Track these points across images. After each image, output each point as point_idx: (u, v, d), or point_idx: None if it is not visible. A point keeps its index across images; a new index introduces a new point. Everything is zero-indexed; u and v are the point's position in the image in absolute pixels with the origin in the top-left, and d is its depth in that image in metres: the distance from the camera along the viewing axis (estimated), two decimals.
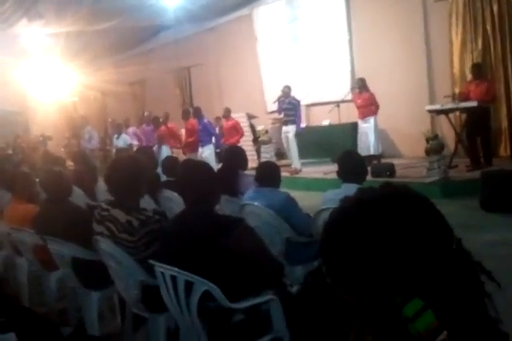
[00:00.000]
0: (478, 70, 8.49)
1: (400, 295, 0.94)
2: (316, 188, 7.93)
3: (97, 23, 12.25)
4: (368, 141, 9.29)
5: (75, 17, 10.96)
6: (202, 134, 10.62)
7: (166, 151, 10.66)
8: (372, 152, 9.21)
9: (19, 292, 4.07)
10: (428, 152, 7.85)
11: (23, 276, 4.04)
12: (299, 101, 10.13)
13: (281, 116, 10.30)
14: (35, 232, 3.52)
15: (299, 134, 10.00)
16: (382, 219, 0.96)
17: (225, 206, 4.07)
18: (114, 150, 11.79)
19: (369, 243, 0.94)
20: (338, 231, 0.99)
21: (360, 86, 9.38)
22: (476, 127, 8.22)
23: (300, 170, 10.06)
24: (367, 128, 9.32)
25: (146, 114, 13.20)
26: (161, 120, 11.92)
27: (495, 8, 9.20)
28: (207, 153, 10.34)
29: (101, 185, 5.43)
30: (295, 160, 10.12)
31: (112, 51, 16.12)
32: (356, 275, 0.95)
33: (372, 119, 9.27)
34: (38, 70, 16.75)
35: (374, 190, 1.04)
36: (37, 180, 4.14)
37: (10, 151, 14.04)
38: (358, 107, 9.41)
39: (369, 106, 9.24)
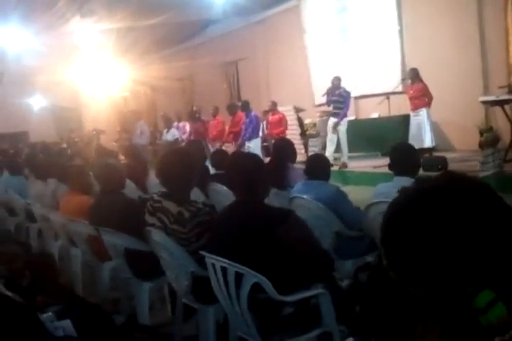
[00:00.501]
0: None
1: (470, 285, 0.91)
2: (365, 182, 7.82)
3: (146, 19, 12.43)
4: (420, 134, 9.01)
5: (124, 13, 11.16)
6: (249, 128, 10.65)
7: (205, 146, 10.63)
8: (425, 145, 8.94)
9: (74, 282, 4.19)
10: (482, 145, 7.61)
11: (78, 266, 4.16)
12: (349, 93, 9.97)
13: (330, 108, 10.17)
14: (90, 223, 3.61)
15: (347, 126, 9.86)
16: (447, 208, 0.92)
17: (273, 199, 4.05)
18: (163, 144, 11.98)
19: (434, 233, 0.91)
20: (400, 222, 0.95)
21: (412, 76, 9.09)
22: None
23: (346, 165, 9.92)
24: (419, 120, 9.05)
25: (194, 109, 13.34)
26: (197, 115, 12.02)
27: None
28: (253, 147, 10.34)
29: (152, 178, 5.52)
30: (344, 153, 10.00)
31: (161, 46, 16.35)
32: (423, 267, 0.92)
33: (424, 111, 8.97)
34: (90, 67, 17.15)
35: (435, 179, 1.01)
36: (91, 172, 4.26)
37: (64, 145, 14.49)
38: (410, 98, 9.13)
39: (421, 98, 8.92)
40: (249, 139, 10.58)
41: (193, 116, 12.08)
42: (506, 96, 7.97)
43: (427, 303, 0.97)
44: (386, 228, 0.98)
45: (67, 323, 2.41)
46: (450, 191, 0.95)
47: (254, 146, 10.35)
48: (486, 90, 9.80)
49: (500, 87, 8.41)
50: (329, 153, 9.65)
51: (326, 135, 11.42)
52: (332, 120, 9.92)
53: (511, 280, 0.93)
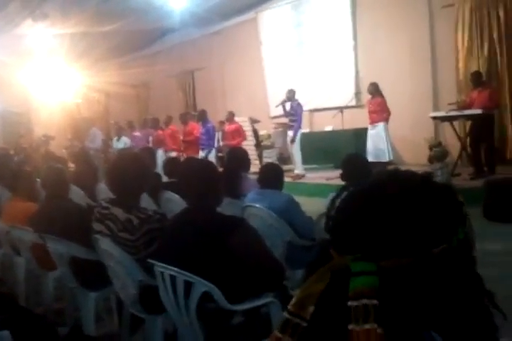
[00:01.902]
0: (478, 78, 8.43)
1: (361, 252, 1.00)
2: (318, 194, 7.87)
3: (102, 25, 12.25)
4: (377, 148, 9.16)
5: (80, 18, 10.97)
6: (205, 138, 10.62)
7: (161, 155, 10.56)
8: (382, 159, 9.08)
9: (16, 291, 4.03)
10: (431, 160, 7.81)
11: (21, 275, 4.00)
12: (300, 106, 10.08)
13: (287, 120, 10.28)
14: (34, 230, 3.48)
15: (300, 139, 9.97)
16: (404, 198, 1.02)
17: (226, 208, 4.01)
18: (115, 153, 11.77)
19: (379, 215, 1.00)
20: (354, 208, 1.05)
21: (372, 90, 9.24)
22: (481, 134, 8.17)
23: (303, 176, 10.01)
24: (377, 134, 9.21)
25: (148, 117, 13.22)
26: (160, 123, 12.00)
27: (501, 14, 9.18)
28: (208, 157, 10.31)
29: (101, 186, 5.40)
30: (298, 165, 10.08)
31: (117, 53, 16.13)
32: (344, 228, 1.04)
33: (381, 125, 9.14)
34: (42, 71, 16.74)
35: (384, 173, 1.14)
36: (38, 179, 4.12)
37: (12, 151, 14.03)
38: (369, 112, 9.28)
39: (380, 112, 9.08)
40: (204, 149, 10.56)
41: (155, 124, 11.99)
42: (455, 113, 8.23)
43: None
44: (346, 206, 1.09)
45: (6, 334, 2.30)
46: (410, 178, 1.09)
47: (209, 156, 10.33)
48: (436, 106, 10.09)
49: (450, 104, 8.69)
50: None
51: (280, 146, 11.53)
52: (289, 133, 10.06)
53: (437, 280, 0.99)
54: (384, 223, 1.00)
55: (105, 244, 2.77)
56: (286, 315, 1.03)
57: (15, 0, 9.16)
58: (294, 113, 9.92)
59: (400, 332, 0.92)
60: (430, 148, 7.98)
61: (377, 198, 1.03)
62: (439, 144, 8.04)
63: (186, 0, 10.72)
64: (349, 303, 0.94)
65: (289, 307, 1.04)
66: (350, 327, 0.92)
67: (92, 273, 3.12)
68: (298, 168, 10.09)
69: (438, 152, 7.71)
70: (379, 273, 0.96)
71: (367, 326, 0.91)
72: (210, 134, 10.65)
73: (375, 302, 0.93)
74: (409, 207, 1.00)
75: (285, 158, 11.54)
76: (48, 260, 3.42)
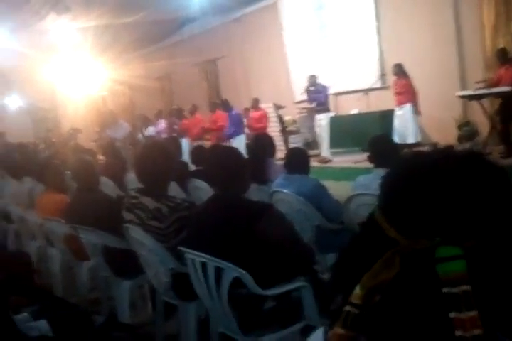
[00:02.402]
0: (504, 55, 8.20)
1: (440, 236, 0.96)
2: (345, 178, 7.81)
3: (123, 17, 12.30)
4: (405, 129, 9.03)
5: (101, 10, 11.03)
6: (232, 125, 10.63)
7: (186, 143, 10.58)
8: (409, 140, 8.96)
9: (53, 282, 4.12)
10: (460, 139, 7.69)
11: (56, 267, 4.08)
12: (326, 87, 10.01)
13: (313, 105, 10.22)
14: (67, 222, 3.54)
15: (329, 122, 9.92)
16: (455, 172, 0.99)
17: (254, 194, 4.02)
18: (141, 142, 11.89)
19: (431, 193, 0.98)
20: (404, 181, 1.03)
21: (397, 72, 9.09)
22: (510, 112, 7.99)
23: (330, 160, 9.96)
24: (404, 116, 9.07)
25: (174, 107, 13.27)
26: (184, 113, 12.03)
27: None
28: (237, 144, 10.32)
29: (131, 177, 5.46)
30: (325, 148, 10.04)
31: (139, 45, 16.21)
32: (413, 211, 0.99)
33: (408, 106, 9.01)
34: (67, 66, 16.92)
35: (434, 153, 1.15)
36: (68, 172, 4.18)
37: (42, 146, 14.28)
38: (395, 94, 9.15)
39: (406, 93, 8.93)
40: (231, 137, 10.56)
41: (180, 113, 12.05)
42: (483, 91, 8.05)
43: (397, 245, 1.00)
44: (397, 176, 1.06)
45: (43, 323, 2.35)
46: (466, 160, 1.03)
47: (238, 144, 10.33)
48: (464, 85, 9.88)
49: (477, 82, 8.50)
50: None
51: (306, 132, 11.47)
52: (317, 117, 10.01)
53: (490, 249, 0.96)
54: (456, 202, 0.96)
55: (136, 233, 2.80)
56: (350, 308, 0.99)
57: None
58: (322, 95, 9.85)
59: (494, 316, 0.90)
60: (459, 128, 7.86)
61: (439, 177, 0.98)
62: (468, 123, 7.91)
63: None
64: (445, 290, 0.91)
65: (352, 300, 1.00)
66: (453, 315, 0.89)
67: (124, 262, 3.17)
68: (325, 151, 10.03)
69: (467, 131, 7.61)
70: (466, 257, 0.94)
71: (471, 313, 0.89)
72: (236, 122, 10.65)
73: (470, 287, 0.91)
74: (473, 182, 0.97)
75: (311, 143, 11.48)
76: (82, 250, 3.48)
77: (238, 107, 11.94)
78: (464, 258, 0.93)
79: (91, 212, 3.42)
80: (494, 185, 0.97)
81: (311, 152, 10.25)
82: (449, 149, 1.10)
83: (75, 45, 14.33)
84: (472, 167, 1.00)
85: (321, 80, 10.08)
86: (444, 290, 0.91)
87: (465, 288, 0.90)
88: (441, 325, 0.91)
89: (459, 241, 0.95)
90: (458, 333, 0.88)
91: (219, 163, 2.49)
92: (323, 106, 9.88)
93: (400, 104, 9.09)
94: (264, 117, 11.20)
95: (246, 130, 11.35)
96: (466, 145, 7.43)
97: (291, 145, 11.36)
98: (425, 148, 8.87)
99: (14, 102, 18.72)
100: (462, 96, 8.68)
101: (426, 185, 0.98)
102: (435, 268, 0.94)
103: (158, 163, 2.83)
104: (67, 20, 11.57)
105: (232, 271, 2.22)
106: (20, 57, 13.76)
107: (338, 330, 0.99)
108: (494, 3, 9.33)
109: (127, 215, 2.89)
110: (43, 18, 10.82)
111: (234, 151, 2.62)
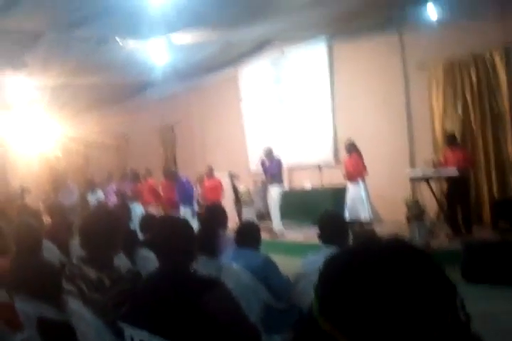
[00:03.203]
0: (453, 140, 8.63)
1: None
2: (296, 253, 7.76)
3: (83, 77, 12.35)
4: (356, 206, 9.16)
5: (60, 69, 11.02)
6: (182, 194, 10.55)
7: (138, 209, 10.41)
8: (362, 217, 9.07)
9: None
10: (409, 218, 7.85)
11: None
12: (280, 160, 10.19)
13: (267, 176, 10.34)
14: (2, 288, 3.35)
15: (280, 196, 10.00)
16: (390, 274, 0.96)
17: (202, 266, 3.94)
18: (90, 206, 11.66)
19: (371, 295, 0.95)
20: (342, 281, 1.00)
21: (349, 148, 9.39)
22: (457, 194, 8.27)
23: (281, 234, 9.94)
24: (356, 192, 9.22)
25: (128, 170, 13.17)
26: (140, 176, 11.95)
27: (473, 75, 9.50)
28: (185, 213, 10.22)
29: (76, 241, 5.28)
30: (276, 222, 10.04)
31: (98, 105, 16.22)
32: (357, 317, 0.95)
33: (360, 183, 9.22)
34: (20, 122, 16.68)
35: (383, 243, 1.07)
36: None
37: None
38: (346, 170, 9.39)
39: (358, 169, 9.18)
40: (184, 205, 10.47)
41: (135, 177, 11.91)
42: (431, 173, 8.35)
43: None
44: (327, 282, 1.03)
45: None
46: (395, 258, 1.00)
47: (186, 213, 10.24)
48: (413, 164, 10.27)
49: (426, 162, 8.81)
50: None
51: (259, 203, 11.52)
52: (270, 189, 10.11)
53: None
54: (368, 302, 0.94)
55: (74, 305, 2.67)
56: None
57: None
58: (273, 167, 10.00)
59: None
60: (407, 207, 8.05)
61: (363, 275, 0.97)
62: (417, 203, 8.11)
63: (168, 55, 10.93)
64: None
65: None
66: None
67: (60, 335, 2.99)
68: (277, 225, 10.04)
69: (415, 211, 7.77)
70: None
71: None
72: (185, 191, 10.57)
73: None
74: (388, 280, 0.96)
75: (264, 215, 11.50)
76: (16, 320, 3.27)
77: (193, 173, 11.96)
78: None
79: (29, 278, 3.26)
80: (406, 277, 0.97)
81: (263, 223, 10.26)
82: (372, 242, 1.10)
83: (31, 102, 14.21)
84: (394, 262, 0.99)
85: (277, 152, 10.27)
86: None
87: None
88: None
89: None
90: None
91: (167, 235, 2.45)
92: (276, 179, 10.00)
93: (352, 180, 9.28)
94: (219, 187, 11.18)
95: (199, 198, 11.29)
96: (414, 225, 7.57)
97: (245, 217, 11.35)
98: (373, 226, 9.01)
99: None
100: (412, 178, 8.96)
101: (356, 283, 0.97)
102: None
103: (103, 232, 2.75)
104: (24, 76, 11.48)
105: None
106: None
107: None
108: (442, 88, 9.92)
109: (67, 285, 2.76)
110: None
111: (183, 223, 2.58)
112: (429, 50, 9.86)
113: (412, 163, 10.30)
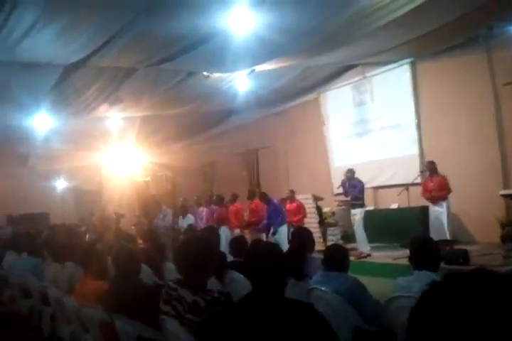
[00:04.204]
0: None
1: None
2: (384, 274, 7.66)
3: (171, 108, 12.91)
4: (440, 226, 8.92)
5: (151, 102, 11.59)
6: (274, 215, 10.67)
7: (224, 232, 10.52)
8: (444, 237, 8.82)
9: None
10: (504, 239, 7.52)
11: None
12: (361, 182, 10.10)
13: (349, 199, 10.30)
14: (103, 309, 3.55)
15: (363, 217, 9.90)
16: (477, 308, 0.95)
17: (290, 290, 3.98)
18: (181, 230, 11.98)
19: (461, 329, 0.94)
20: (429, 315, 0.99)
21: (430, 169, 9.22)
22: None
23: (369, 255, 9.79)
24: (438, 212, 9.00)
25: (214, 194, 13.46)
26: (225, 200, 12.16)
27: None
28: (280, 234, 10.31)
29: (169, 264, 5.48)
30: (363, 243, 9.91)
31: (184, 133, 16.83)
32: None
33: (443, 203, 8.98)
34: (113, 151, 17.59)
35: (467, 276, 1.04)
36: (109, 257, 4.24)
37: (83, 228, 14.56)
38: (430, 191, 9.19)
39: (440, 190, 8.98)
40: (276, 226, 10.54)
41: (220, 201, 12.15)
42: None
43: None
44: (416, 318, 1.03)
45: None
46: (481, 291, 0.98)
47: (280, 235, 10.31)
48: (506, 183, 9.82)
49: None
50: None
51: (344, 224, 11.43)
52: (353, 212, 10.03)
53: None
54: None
55: (172, 326, 2.79)
56: None
57: (94, 85, 9.81)
58: (354, 189, 9.92)
59: None
60: (502, 227, 7.71)
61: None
62: (511, 223, 7.76)
63: (251, 83, 11.20)
64: None
65: None
66: None
67: None
68: (362, 246, 9.90)
69: (510, 231, 7.43)
70: None
71: None
72: (276, 212, 10.71)
73: None
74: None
75: (349, 236, 11.38)
76: (116, 338, 3.45)
77: (277, 197, 12.05)
78: None
79: (128, 300, 3.44)
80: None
81: (350, 245, 10.15)
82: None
83: (122, 132, 14.96)
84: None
85: (360, 174, 10.20)
86: None
87: None
88: None
89: None
90: None
91: (259, 260, 2.51)
92: (357, 201, 9.94)
93: (435, 200, 9.02)
94: (301, 207, 11.20)
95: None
96: (509, 246, 7.23)
97: (330, 238, 11.28)
98: (464, 246, 8.68)
99: (61, 184, 19.39)
100: (505, 195, 8.60)
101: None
102: None
103: (199, 257, 2.88)
104: (118, 110, 12.18)
105: None
106: (70, 142, 14.41)
107: None
108: None
109: (165, 307, 2.90)
110: (95, 109, 11.40)
111: (275, 250, 2.64)
112: None
113: (506, 183, 9.84)
